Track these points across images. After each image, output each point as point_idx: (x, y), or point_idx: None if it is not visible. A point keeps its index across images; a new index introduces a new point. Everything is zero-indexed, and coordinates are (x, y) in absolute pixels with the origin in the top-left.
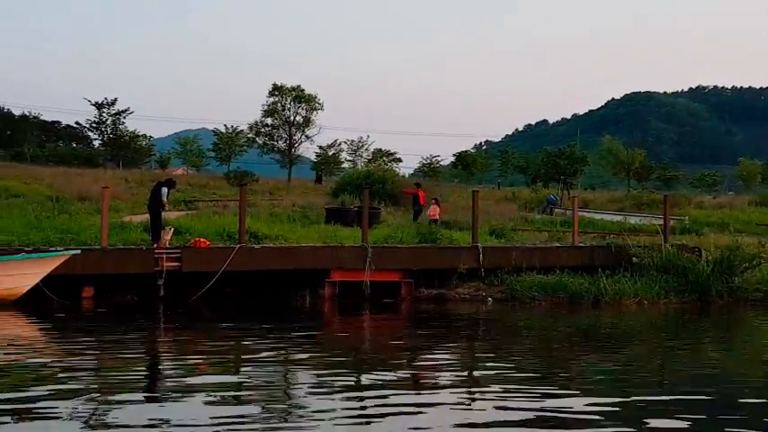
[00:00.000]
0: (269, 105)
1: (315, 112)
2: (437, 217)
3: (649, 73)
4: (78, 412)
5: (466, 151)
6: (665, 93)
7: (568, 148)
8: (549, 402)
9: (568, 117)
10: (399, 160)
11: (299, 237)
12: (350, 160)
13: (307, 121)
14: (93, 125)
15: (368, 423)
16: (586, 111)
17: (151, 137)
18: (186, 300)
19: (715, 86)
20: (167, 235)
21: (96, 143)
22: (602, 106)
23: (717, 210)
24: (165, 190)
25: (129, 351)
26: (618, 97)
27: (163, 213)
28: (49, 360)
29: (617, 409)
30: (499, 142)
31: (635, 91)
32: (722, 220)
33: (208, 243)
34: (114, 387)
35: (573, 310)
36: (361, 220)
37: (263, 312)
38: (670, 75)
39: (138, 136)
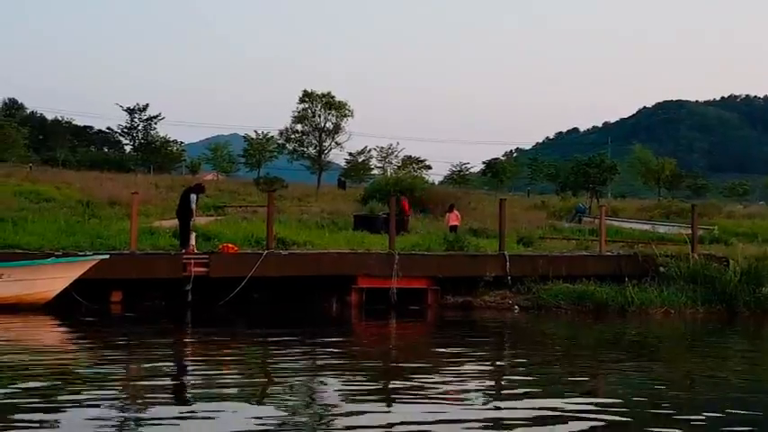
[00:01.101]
0: (299, 112)
1: (345, 119)
2: (456, 223)
3: (681, 81)
4: (107, 418)
5: (496, 159)
6: (696, 101)
7: (598, 156)
8: (577, 411)
9: (599, 125)
10: (429, 167)
11: (327, 243)
12: (379, 167)
13: (336, 128)
14: (125, 130)
15: None
16: (617, 119)
17: (182, 142)
18: (213, 305)
19: (747, 95)
20: (195, 241)
21: (127, 148)
22: (634, 114)
23: (747, 219)
24: (194, 197)
25: (157, 357)
26: (649, 105)
27: (192, 219)
28: (76, 366)
29: (645, 419)
30: (529, 150)
31: (667, 99)
32: (751, 230)
33: (236, 249)
34: (143, 393)
35: (599, 318)
36: (389, 227)
37: (291, 318)
38: (702, 83)
39: (169, 141)
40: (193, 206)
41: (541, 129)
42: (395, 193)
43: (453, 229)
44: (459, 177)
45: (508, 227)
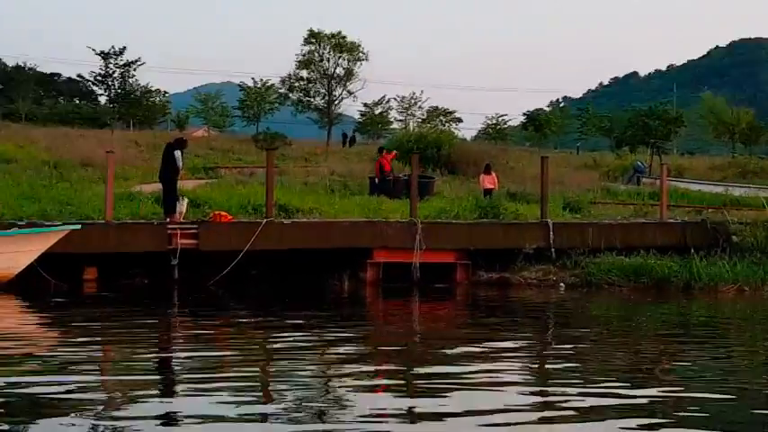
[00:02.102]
0: (304, 55)
1: (358, 64)
2: (492, 186)
3: (762, 17)
4: (82, 412)
5: (539, 110)
6: None
7: (661, 105)
8: (634, 406)
9: (663, 69)
10: (459, 120)
11: (337, 211)
12: (400, 120)
13: (349, 74)
14: (99, 78)
15: None
16: (684, 61)
17: (166, 92)
18: (204, 283)
19: None
20: (182, 207)
21: (102, 100)
22: (704, 56)
23: None
24: (178, 153)
25: (137, 346)
26: (723, 45)
27: (177, 181)
28: (46, 353)
29: (713, 416)
30: (579, 99)
31: (743, 38)
32: None
33: (230, 217)
34: (122, 386)
35: (660, 297)
36: (410, 191)
37: (295, 299)
38: None
39: (152, 91)
40: (179, 164)
41: (594, 74)
42: (418, 151)
43: (488, 193)
44: (495, 132)
45: (553, 190)
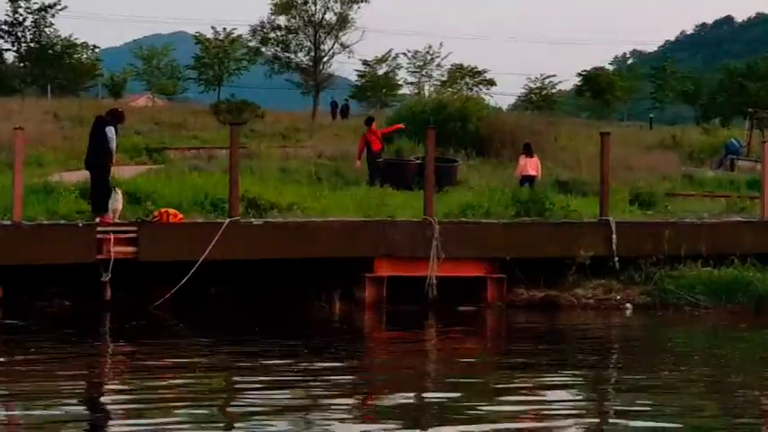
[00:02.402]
0: None
1: (355, 7)
2: (533, 173)
3: None
4: None
5: (599, 69)
6: None
7: (763, 62)
8: None
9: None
10: (491, 83)
11: (326, 207)
12: (411, 83)
13: (342, 21)
14: (4, 29)
15: None
16: None
17: (96, 47)
18: (146, 306)
19: None
20: (117, 203)
21: (9, 57)
22: None
23: None
24: (111, 130)
25: (52, 393)
26: None
27: (111, 168)
28: None
29: None
30: (653, 54)
31: None
32: None
33: (180, 216)
34: None
35: (760, 323)
36: (423, 178)
37: (267, 327)
38: None
39: (76, 45)
40: (112, 145)
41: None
42: (435, 125)
43: (528, 181)
44: (539, 99)
45: (617, 177)
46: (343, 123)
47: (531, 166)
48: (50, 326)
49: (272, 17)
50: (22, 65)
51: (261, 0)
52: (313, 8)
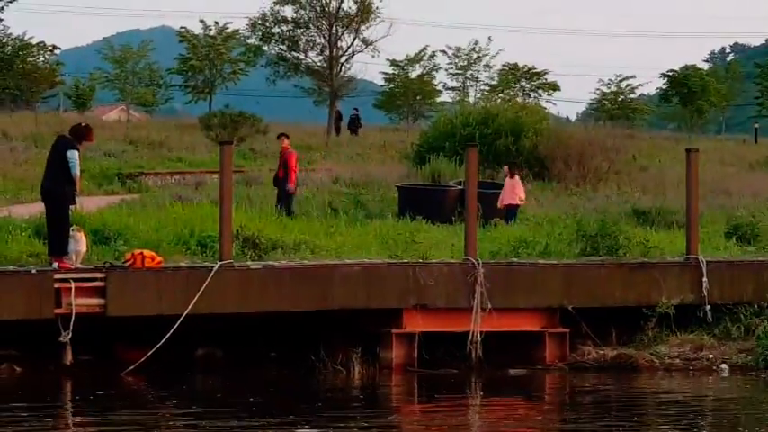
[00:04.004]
0: None
1: None
2: (514, 202)
3: None
4: None
5: (689, 68)
6: None
7: None
8: None
9: None
10: (554, 87)
11: (343, 246)
12: (453, 88)
13: (364, 11)
14: None
15: None
16: None
17: (56, 48)
18: (116, 372)
19: None
20: (79, 245)
21: None
22: None
23: None
24: (74, 154)
25: None
26: None
27: (76, 200)
28: None
29: None
30: (758, 48)
31: None
32: None
33: (159, 260)
34: None
35: None
36: (465, 209)
37: (267, 398)
38: None
39: (31, 46)
40: (76, 171)
41: None
42: (482, 140)
43: (510, 212)
44: (615, 106)
45: (713, 204)
46: (359, 139)
47: (518, 190)
48: None
49: (276, 8)
50: None
51: None
52: None
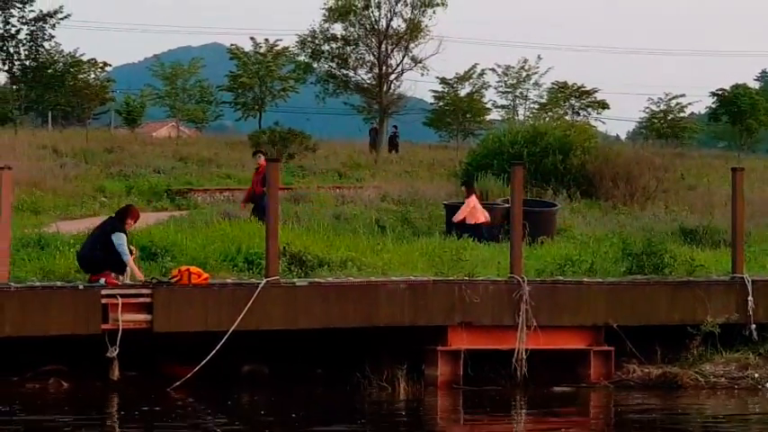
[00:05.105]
0: (337, 0)
1: (429, 11)
2: (475, 221)
3: None
4: None
5: (739, 87)
6: None
7: None
8: None
9: None
10: (604, 105)
11: (389, 263)
12: (503, 106)
13: (414, 29)
14: None
15: None
16: None
17: (107, 65)
18: (162, 387)
19: None
20: (128, 262)
21: (1, 78)
22: None
23: None
24: (120, 237)
25: None
26: None
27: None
28: None
29: None
30: None
31: None
32: None
33: (205, 276)
34: None
35: None
36: (511, 228)
37: (313, 414)
38: None
39: (82, 62)
40: (126, 258)
41: None
42: (530, 159)
43: (474, 230)
44: (664, 125)
45: (762, 224)
46: (404, 157)
47: (468, 211)
48: (44, 412)
49: (326, 25)
50: (15, 87)
51: (312, 4)
52: (376, 13)
